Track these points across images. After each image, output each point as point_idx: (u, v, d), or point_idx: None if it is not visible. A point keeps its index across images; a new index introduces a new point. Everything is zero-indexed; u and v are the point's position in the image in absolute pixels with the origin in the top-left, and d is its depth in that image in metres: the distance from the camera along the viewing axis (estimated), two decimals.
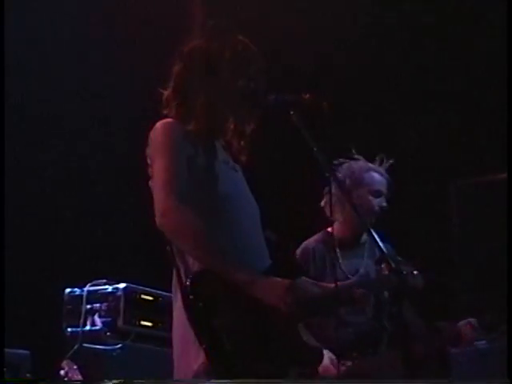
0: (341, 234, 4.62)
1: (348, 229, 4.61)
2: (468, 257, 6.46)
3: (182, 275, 3.18)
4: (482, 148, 6.57)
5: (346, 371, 4.31)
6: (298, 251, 4.57)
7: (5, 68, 5.44)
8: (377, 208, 4.62)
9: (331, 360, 4.34)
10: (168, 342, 3.35)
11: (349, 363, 4.35)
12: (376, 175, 4.67)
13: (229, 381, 3.03)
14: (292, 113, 3.28)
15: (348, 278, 4.43)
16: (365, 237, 4.63)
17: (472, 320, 4.40)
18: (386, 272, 4.12)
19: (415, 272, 4.30)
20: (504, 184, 6.33)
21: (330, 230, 4.67)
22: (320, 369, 4.25)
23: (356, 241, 4.65)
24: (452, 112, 6.66)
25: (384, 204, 4.62)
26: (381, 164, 4.71)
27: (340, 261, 4.52)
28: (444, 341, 4.52)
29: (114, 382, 3.07)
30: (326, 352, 4.31)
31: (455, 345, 4.59)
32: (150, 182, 3.31)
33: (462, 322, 4.41)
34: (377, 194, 4.64)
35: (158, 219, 3.16)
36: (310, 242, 4.62)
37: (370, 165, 4.69)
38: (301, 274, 3.37)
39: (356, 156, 4.73)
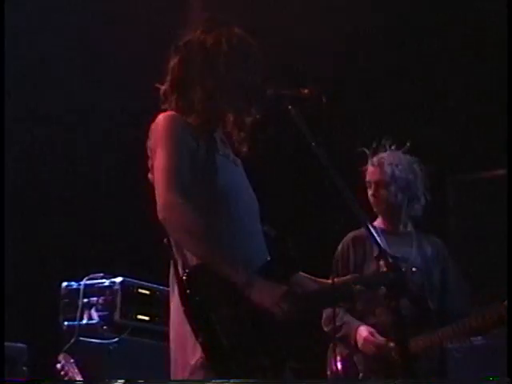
0: (383, 225, 4.65)
1: (386, 220, 4.64)
2: (467, 253, 6.43)
3: (180, 269, 3.16)
4: (479, 144, 6.54)
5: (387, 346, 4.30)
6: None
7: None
8: (371, 198, 4.61)
9: (371, 332, 4.35)
10: (165, 336, 3.34)
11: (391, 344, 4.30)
12: (369, 167, 4.68)
13: (229, 381, 3.00)
14: (290, 107, 3.25)
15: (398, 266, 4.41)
16: (409, 227, 4.65)
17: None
18: (384, 268, 4.10)
19: (414, 269, 4.28)
20: (502, 180, 6.32)
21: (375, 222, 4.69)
22: (360, 341, 4.28)
23: (399, 231, 4.65)
24: (451, 108, 6.63)
25: (374, 192, 4.63)
26: (374, 154, 4.67)
27: (387, 249, 4.52)
28: (490, 323, 4.43)
29: (119, 381, 3.03)
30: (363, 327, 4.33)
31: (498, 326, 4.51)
32: (149, 175, 3.28)
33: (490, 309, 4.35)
34: (368, 184, 4.65)
35: (159, 213, 3.13)
36: (355, 232, 4.64)
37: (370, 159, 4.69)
38: (298, 269, 3.34)
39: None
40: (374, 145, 4.68)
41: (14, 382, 4.40)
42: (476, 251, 6.39)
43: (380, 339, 4.40)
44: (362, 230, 4.66)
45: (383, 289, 4.29)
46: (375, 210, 4.65)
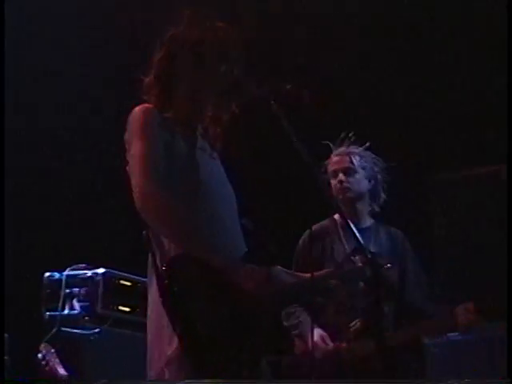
0: (342, 220, 4.59)
1: (348, 213, 4.63)
2: (446, 251, 6.44)
3: (158, 260, 3.15)
4: (460, 143, 6.56)
5: (336, 351, 4.30)
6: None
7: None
8: (338, 186, 4.62)
9: (321, 336, 4.36)
10: (145, 327, 3.31)
11: (343, 344, 4.33)
12: (333, 157, 4.70)
13: (223, 381, 3.00)
14: (272, 102, 3.24)
15: (352, 261, 4.41)
16: (369, 221, 4.64)
17: (469, 304, 4.37)
18: (360, 264, 4.12)
19: (389, 265, 4.29)
20: (481, 178, 6.34)
21: (335, 216, 4.70)
22: (310, 345, 4.28)
23: (359, 226, 4.63)
24: (433, 107, 6.63)
25: (342, 179, 4.63)
26: (341, 144, 4.70)
27: (346, 245, 4.52)
28: (440, 326, 4.48)
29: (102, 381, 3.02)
30: (316, 330, 4.34)
31: (451, 330, 4.54)
32: (127, 167, 3.27)
33: (459, 306, 4.37)
34: (334, 174, 4.66)
35: (137, 204, 3.13)
36: (314, 226, 4.63)
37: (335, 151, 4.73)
38: (276, 262, 3.34)
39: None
40: (341, 136, 4.71)
41: (13, 382, 4.39)
42: (458, 249, 6.38)
43: (330, 345, 4.40)
44: (320, 225, 4.70)
45: (361, 284, 4.36)
46: (340, 199, 4.63)
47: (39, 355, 4.87)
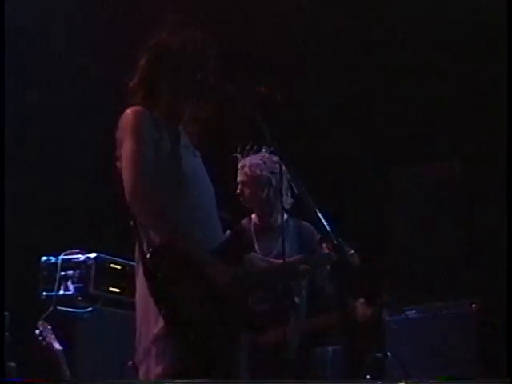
0: (257, 221, 4.69)
1: (259, 215, 4.69)
2: (403, 243, 6.44)
3: (144, 247, 3.17)
4: (425, 137, 6.54)
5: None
6: None
7: None
8: (246, 195, 4.66)
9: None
10: (134, 307, 3.32)
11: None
12: (240, 168, 4.69)
13: (221, 380, 3.01)
14: (248, 103, 3.25)
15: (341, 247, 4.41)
16: (279, 221, 4.63)
17: (362, 301, 4.42)
18: (327, 250, 4.14)
19: (352, 251, 4.31)
20: (444, 172, 6.35)
21: (252, 216, 4.74)
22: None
23: (270, 225, 4.66)
24: (400, 98, 6.61)
25: (243, 190, 4.64)
26: (247, 155, 4.72)
27: (256, 245, 4.53)
28: (348, 315, 4.52)
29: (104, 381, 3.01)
30: None
31: (354, 318, 4.57)
32: (117, 163, 3.28)
33: (359, 301, 4.43)
34: (241, 183, 4.68)
35: (127, 197, 3.16)
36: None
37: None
38: (250, 250, 3.36)
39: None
40: (240, 149, 4.71)
41: (14, 382, 4.36)
42: (419, 242, 6.38)
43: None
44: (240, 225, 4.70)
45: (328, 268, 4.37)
46: (248, 206, 4.68)
47: (37, 331, 4.86)
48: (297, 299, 4.51)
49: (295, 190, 4.62)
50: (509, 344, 4.60)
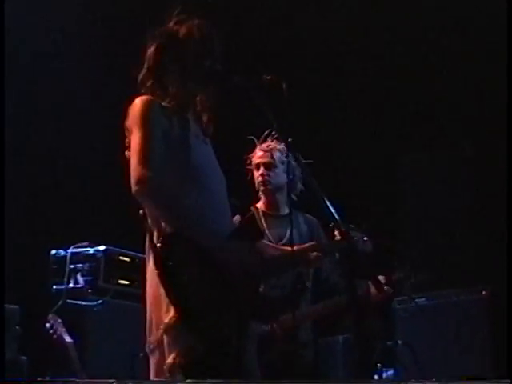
0: (265, 208, 4.69)
1: (269, 203, 4.69)
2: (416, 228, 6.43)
3: (154, 237, 3.17)
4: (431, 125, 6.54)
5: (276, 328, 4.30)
6: None
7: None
8: (259, 178, 4.66)
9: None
10: (143, 299, 3.32)
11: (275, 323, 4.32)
12: (257, 152, 4.72)
13: (223, 381, 3.01)
14: (254, 92, 3.24)
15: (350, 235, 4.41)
16: (286, 210, 4.66)
17: (380, 277, 4.41)
18: (338, 237, 4.13)
19: (365, 238, 4.30)
20: (451, 159, 6.34)
21: (257, 205, 4.74)
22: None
23: (277, 213, 4.67)
24: (409, 88, 6.60)
25: (263, 172, 4.66)
26: (264, 141, 4.73)
27: (266, 231, 4.53)
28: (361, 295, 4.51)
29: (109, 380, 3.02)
30: None
31: (367, 302, 4.57)
32: (126, 152, 3.27)
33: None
34: (256, 167, 4.70)
35: (133, 187, 3.14)
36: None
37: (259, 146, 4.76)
38: (261, 237, 3.35)
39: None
40: (265, 133, 4.70)
41: (13, 382, 4.36)
42: (427, 231, 6.37)
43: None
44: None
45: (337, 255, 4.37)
46: (261, 190, 4.69)
47: (47, 325, 4.87)
48: (308, 283, 4.52)
49: (301, 186, 4.65)
50: (509, 344, 4.59)
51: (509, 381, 3.04)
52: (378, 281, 4.30)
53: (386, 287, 4.44)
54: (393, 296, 4.71)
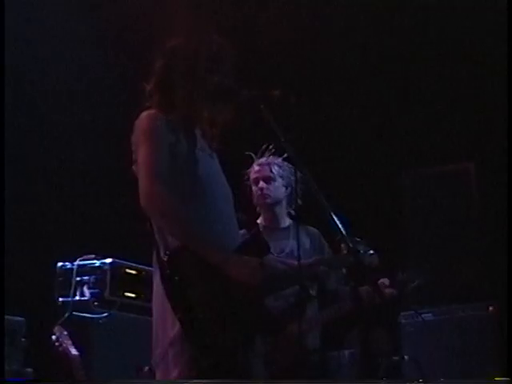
0: (264, 222, 4.71)
1: (268, 216, 4.71)
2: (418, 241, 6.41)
3: (161, 251, 3.17)
4: (436, 138, 6.53)
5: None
6: None
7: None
8: (258, 192, 4.67)
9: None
10: (149, 312, 3.33)
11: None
12: (255, 166, 4.75)
13: (224, 381, 3.01)
14: (262, 106, 3.25)
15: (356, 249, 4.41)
16: (287, 221, 4.68)
17: (384, 280, 4.41)
18: (345, 251, 4.13)
19: (371, 252, 4.30)
20: (453, 173, 6.33)
21: (258, 220, 4.75)
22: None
23: (277, 226, 4.69)
24: (410, 101, 6.60)
25: (263, 186, 4.67)
26: (262, 156, 4.76)
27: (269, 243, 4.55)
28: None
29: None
30: None
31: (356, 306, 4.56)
32: (133, 167, 3.28)
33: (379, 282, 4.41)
34: (254, 181, 4.72)
35: (142, 201, 3.15)
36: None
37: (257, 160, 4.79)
38: (268, 252, 3.35)
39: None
40: (262, 148, 4.74)
41: (14, 382, 4.35)
42: (431, 244, 6.34)
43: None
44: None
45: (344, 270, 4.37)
46: (261, 204, 4.71)
47: (53, 337, 4.86)
48: (312, 291, 4.51)
49: (309, 193, 4.64)
50: (509, 344, 4.58)
51: (509, 380, 3.04)
52: (382, 284, 4.32)
53: (389, 290, 4.44)
54: (397, 299, 4.68)
